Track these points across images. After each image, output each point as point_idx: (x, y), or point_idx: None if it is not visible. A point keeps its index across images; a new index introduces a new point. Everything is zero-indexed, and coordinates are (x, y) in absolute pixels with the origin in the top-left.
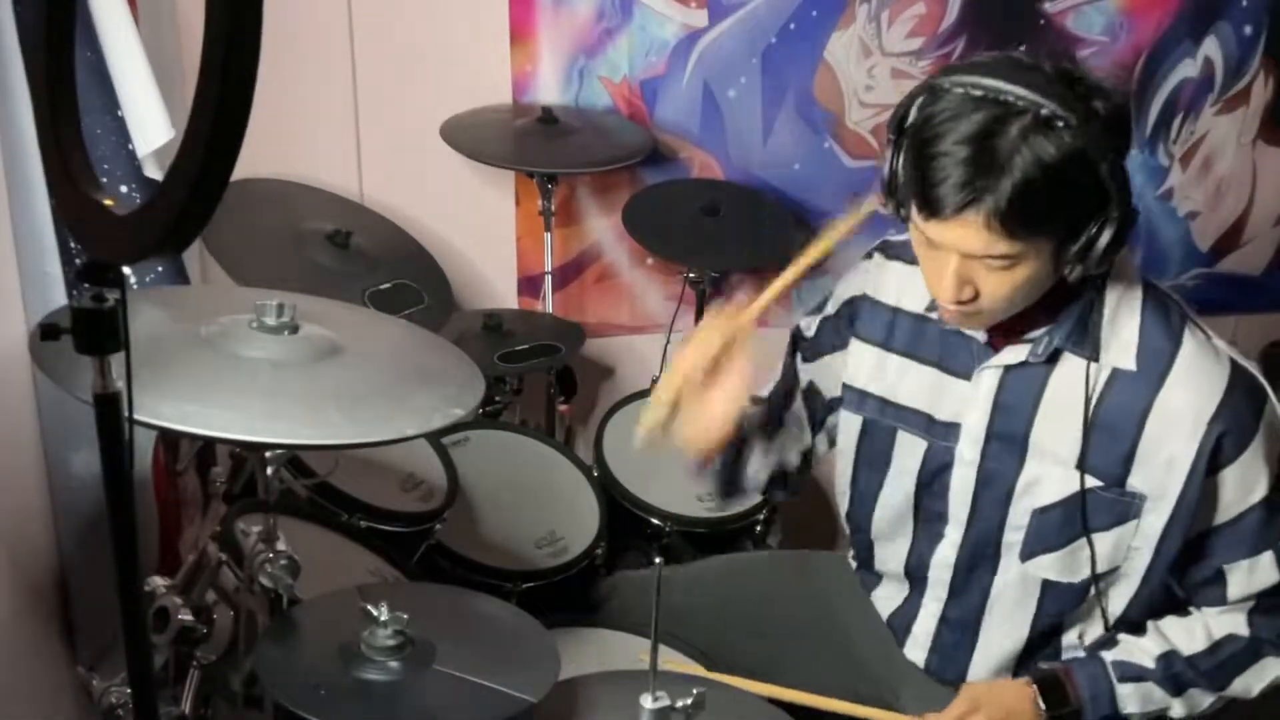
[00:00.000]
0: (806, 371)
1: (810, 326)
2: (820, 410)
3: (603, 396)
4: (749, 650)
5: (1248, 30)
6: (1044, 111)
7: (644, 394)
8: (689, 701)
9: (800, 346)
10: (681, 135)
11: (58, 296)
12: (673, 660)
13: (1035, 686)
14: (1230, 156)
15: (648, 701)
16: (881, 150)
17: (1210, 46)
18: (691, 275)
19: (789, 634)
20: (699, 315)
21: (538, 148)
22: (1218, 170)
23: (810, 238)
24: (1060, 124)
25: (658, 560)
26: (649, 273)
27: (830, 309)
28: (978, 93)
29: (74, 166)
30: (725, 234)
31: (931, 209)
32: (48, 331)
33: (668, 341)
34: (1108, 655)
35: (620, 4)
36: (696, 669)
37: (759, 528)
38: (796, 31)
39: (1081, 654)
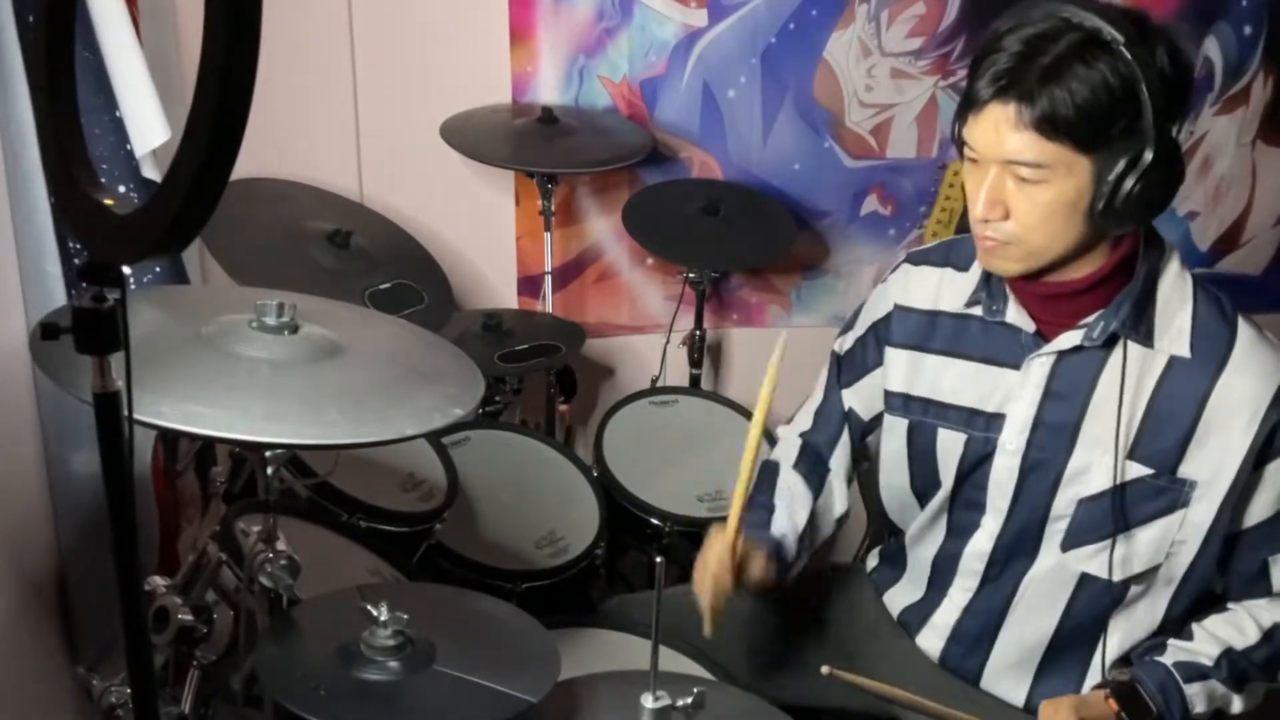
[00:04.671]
0: (847, 398)
1: (844, 345)
2: (859, 435)
3: (603, 396)
4: (758, 659)
5: (1248, 30)
6: (1102, 34)
7: (644, 394)
8: (689, 701)
9: (841, 368)
10: (681, 135)
11: (58, 296)
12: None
13: (1114, 699)
14: (1230, 156)
15: (648, 701)
16: (882, 151)
17: (1210, 46)
18: (691, 275)
19: (800, 645)
20: (699, 315)
21: (538, 148)
22: (1217, 170)
23: (808, 242)
24: (1114, 45)
25: (658, 560)
26: (649, 273)
27: (861, 328)
28: (1043, 11)
29: (74, 166)
30: (725, 234)
31: (972, 100)
32: (48, 331)
33: (667, 341)
34: (1165, 659)
35: (620, 4)
36: None
37: None
38: (796, 31)
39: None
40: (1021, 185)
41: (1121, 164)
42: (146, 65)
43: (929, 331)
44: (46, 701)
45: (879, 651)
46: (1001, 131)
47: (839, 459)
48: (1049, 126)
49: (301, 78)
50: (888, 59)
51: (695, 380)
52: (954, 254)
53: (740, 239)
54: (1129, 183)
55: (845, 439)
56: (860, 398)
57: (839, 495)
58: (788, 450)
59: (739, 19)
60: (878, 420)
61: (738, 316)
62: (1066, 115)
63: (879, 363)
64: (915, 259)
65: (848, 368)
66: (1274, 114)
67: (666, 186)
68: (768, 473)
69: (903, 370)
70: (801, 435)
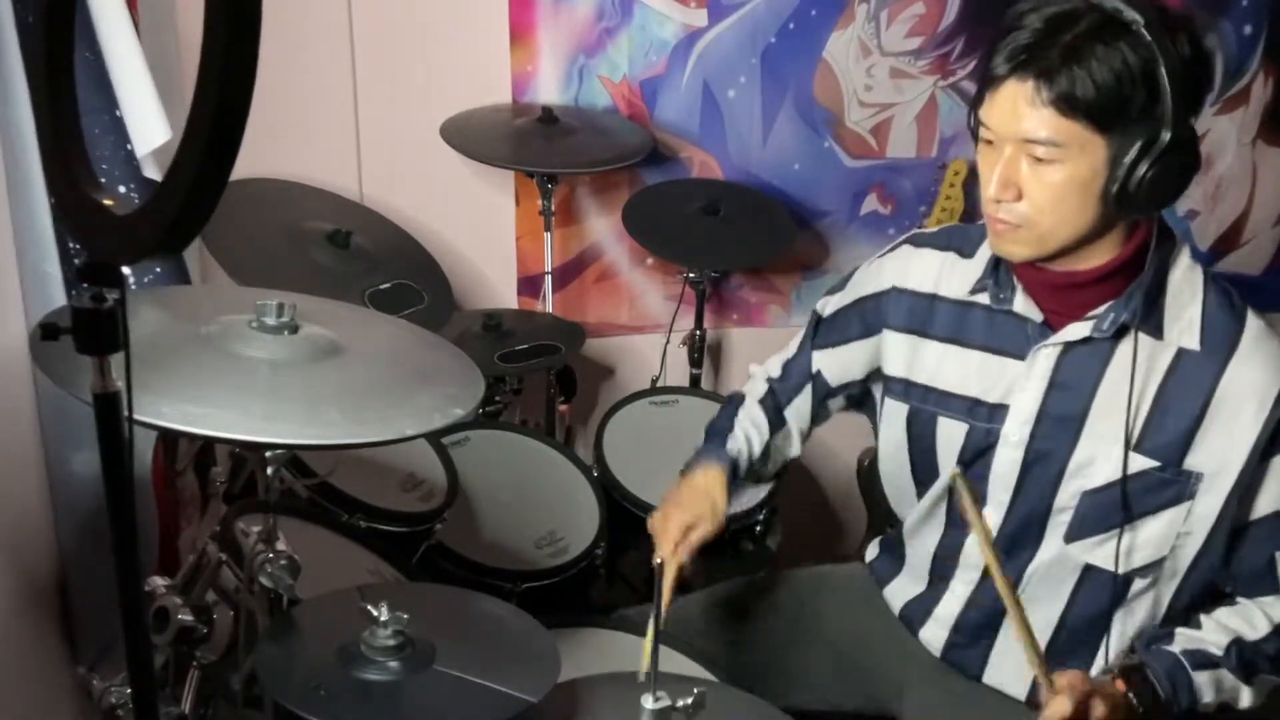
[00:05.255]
0: (817, 359)
1: (826, 306)
2: (821, 396)
3: (603, 396)
4: (759, 661)
5: (1248, 30)
6: (1122, 15)
7: (644, 394)
8: (689, 701)
9: (818, 329)
10: (681, 135)
11: (58, 296)
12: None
13: (1122, 680)
14: (1230, 156)
15: (648, 702)
16: (881, 151)
17: (1210, 46)
18: (691, 275)
19: (801, 646)
20: (699, 315)
21: (538, 148)
22: (1217, 170)
23: (808, 242)
24: (1134, 27)
25: (658, 560)
26: (649, 273)
27: (849, 297)
28: None
29: (74, 166)
30: (725, 234)
31: (989, 78)
32: (48, 331)
33: (667, 341)
34: (1173, 647)
35: (620, 4)
36: None
37: (759, 529)
38: (796, 31)
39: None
40: (1035, 166)
41: (1137, 147)
42: (147, 65)
43: (928, 316)
44: (46, 701)
45: (880, 648)
46: (1019, 108)
47: (795, 410)
48: (1067, 105)
49: (301, 78)
50: (887, 59)
51: (695, 380)
52: (958, 239)
53: (740, 239)
54: (1143, 167)
55: (807, 395)
56: (832, 363)
57: (794, 441)
58: (756, 387)
59: (739, 19)
60: (845, 388)
61: (738, 316)
62: (1086, 94)
63: (861, 335)
64: (917, 241)
65: (825, 331)
66: (1274, 114)
67: (666, 186)
68: (733, 401)
69: (902, 355)
70: (768, 380)
